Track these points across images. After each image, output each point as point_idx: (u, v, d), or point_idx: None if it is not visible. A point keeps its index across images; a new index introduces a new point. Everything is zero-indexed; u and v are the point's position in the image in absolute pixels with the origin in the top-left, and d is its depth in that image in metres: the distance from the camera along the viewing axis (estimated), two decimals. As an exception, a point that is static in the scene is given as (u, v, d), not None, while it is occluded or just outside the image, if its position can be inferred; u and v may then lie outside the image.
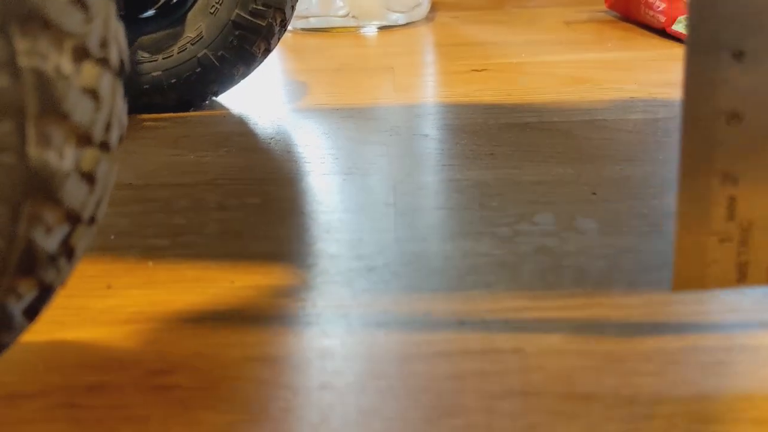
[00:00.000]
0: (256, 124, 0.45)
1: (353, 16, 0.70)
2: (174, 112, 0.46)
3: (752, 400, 0.20)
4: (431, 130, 0.43)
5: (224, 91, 0.48)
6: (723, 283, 0.23)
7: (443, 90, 0.52)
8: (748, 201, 0.22)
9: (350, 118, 0.45)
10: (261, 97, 0.50)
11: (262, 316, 0.25)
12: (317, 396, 0.21)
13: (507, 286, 0.26)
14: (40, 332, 0.24)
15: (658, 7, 0.62)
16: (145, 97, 0.46)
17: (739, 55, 0.21)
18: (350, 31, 0.70)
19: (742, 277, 0.23)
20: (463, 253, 0.28)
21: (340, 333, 0.24)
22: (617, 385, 0.21)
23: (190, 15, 0.45)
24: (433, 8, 0.77)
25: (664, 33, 0.63)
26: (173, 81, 0.45)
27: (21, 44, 0.16)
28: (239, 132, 0.44)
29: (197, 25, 0.45)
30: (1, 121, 0.16)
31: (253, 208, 0.33)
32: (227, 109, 0.48)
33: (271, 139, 0.42)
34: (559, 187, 0.33)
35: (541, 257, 0.28)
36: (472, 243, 0.29)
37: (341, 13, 0.70)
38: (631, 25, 0.67)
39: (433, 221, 0.31)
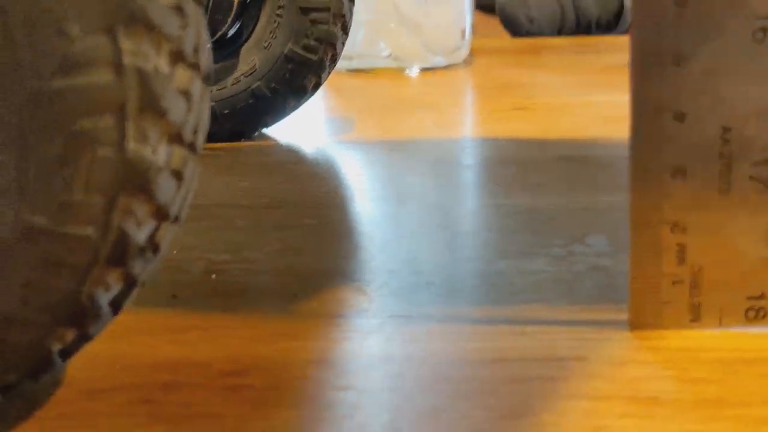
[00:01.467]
0: (305, 154, 0.46)
1: (395, 58, 0.71)
2: (227, 141, 0.47)
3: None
4: (476, 161, 0.44)
5: (275, 122, 0.49)
6: (678, 324, 0.25)
7: (485, 126, 0.53)
8: (698, 247, 0.24)
9: (395, 150, 0.46)
10: (308, 130, 0.52)
11: (325, 324, 0.26)
12: (384, 396, 0.22)
13: (565, 299, 0.27)
14: (114, 333, 0.25)
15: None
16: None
17: (681, 116, 0.23)
18: (392, 72, 0.71)
19: (695, 318, 0.25)
20: (519, 270, 0.29)
21: (403, 340, 0.24)
22: (681, 390, 0.21)
23: (244, 49, 0.47)
24: (473, 52, 0.78)
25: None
26: (226, 111, 0.47)
27: (126, 44, 0.17)
28: (290, 161, 0.45)
29: (251, 59, 0.47)
30: (103, 116, 0.18)
31: (311, 228, 0.34)
32: (277, 140, 0.49)
33: (320, 167, 0.43)
34: (609, 213, 0.34)
35: (596, 275, 0.28)
36: (526, 262, 0.30)
37: (384, 54, 0.71)
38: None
39: (487, 242, 0.32)
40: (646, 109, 0.24)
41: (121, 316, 0.21)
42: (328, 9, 0.46)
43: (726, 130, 0.24)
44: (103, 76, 0.17)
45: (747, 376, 0.22)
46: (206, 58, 0.20)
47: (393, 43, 0.71)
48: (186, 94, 0.19)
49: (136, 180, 0.18)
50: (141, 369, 0.23)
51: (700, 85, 0.24)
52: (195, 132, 0.20)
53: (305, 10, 0.46)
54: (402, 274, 0.29)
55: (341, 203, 0.38)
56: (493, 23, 0.94)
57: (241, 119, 0.47)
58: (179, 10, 0.19)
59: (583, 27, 0.91)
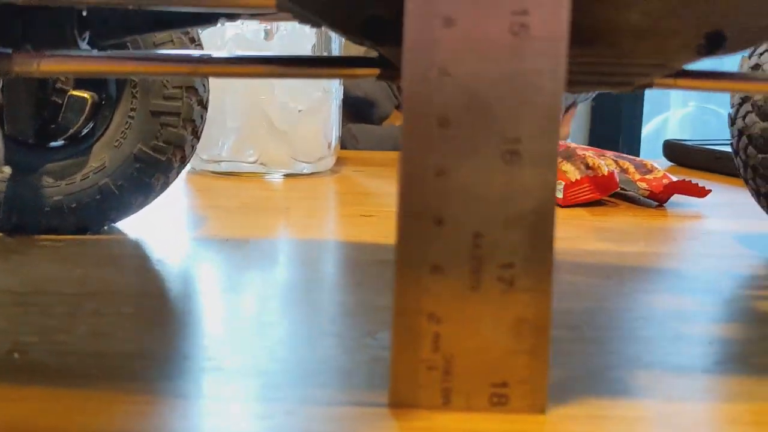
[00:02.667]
0: (149, 248, 0.48)
1: (262, 163, 0.74)
2: (73, 234, 0.49)
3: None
4: (312, 261, 0.47)
5: (122, 218, 0.51)
6: (430, 405, 0.28)
7: (330, 230, 0.56)
8: (450, 337, 0.27)
9: (239, 248, 0.49)
10: (161, 226, 0.54)
11: (118, 403, 0.27)
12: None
13: (342, 384, 0.29)
14: None
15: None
16: (44, 219, 0.49)
17: (439, 221, 0.27)
18: (258, 177, 0.74)
19: (446, 401, 0.28)
20: (313, 358, 0.31)
21: (177, 416, 0.26)
22: None
23: (96, 146, 0.49)
24: (339, 162, 0.82)
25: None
26: (73, 205, 0.49)
27: None
28: (130, 254, 0.47)
29: (102, 156, 0.49)
30: None
31: (126, 316, 0.36)
32: (125, 234, 0.51)
33: (156, 261, 0.45)
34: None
35: (376, 365, 0.31)
36: (321, 350, 0.32)
37: (250, 159, 0.74)
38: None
39: (294, 332, 0.34)
40: (410, 214, 0.27)
41: None
42: (178, 114, 0.49)
43: (478, 235, 0.27)
44: None
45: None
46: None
47: (261, 149, 0.74)
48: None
49: None
50: None
51: (457, 196, 0.27)
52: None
53: (156, 114, 0.49)
54: (195, 359, 0.31)
55: (167, 294, 0.40)
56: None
57: (87, 213, 0.49)
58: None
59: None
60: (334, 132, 0.79)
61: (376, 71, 0.33)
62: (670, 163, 0.95)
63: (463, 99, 0.27)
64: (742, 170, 0.53)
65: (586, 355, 0.33)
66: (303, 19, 0.30)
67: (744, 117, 0.52)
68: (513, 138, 0.27)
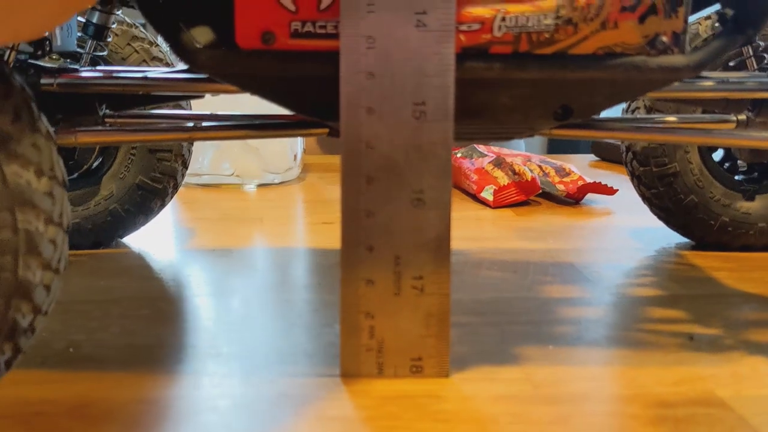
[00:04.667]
0: (152, 260, 0.60)
1: (237, 175, 0.86)
2: (89, 249, 0.61)
3: None
4: (283, 266, 0.59)
5: (128, 234, 0.63)
6: (369, 375, 0.40)
7: (298, 237, 0.68)
8: (381, 328, 0.40)
9: (224, 257, 0.61)
10: (157, 240, 0.65)
11: (152, 378, 0.39)
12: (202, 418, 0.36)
13: (312, 361, 0.41)
14: (2, 383, 0.38)
15: (472, 177, 0.81)
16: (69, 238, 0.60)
17: (370, 248, 0.39)
18: (234, 188, 0.86)
19: (380, 371, 0.40)
20: (288, 344, 0.43)
21: (191, 387, 0.38)
22: (355, 408, 0.36)
23: (105, 178, 0.61)
24: (306, 169, 0.94)
25: (475, 198, 0.81)
26: (89, 227, 0.60)
27: (20, 216, 0.31)
28: (138, 265, 0.59)
29: (110, 186, 0.61)
30: (6, 255, 0.31)
31: (145, 317, 0.48)
32: (130, 248, 0.63)
33: (161, 270, 0.57)
34: (357, 306, 0.49)
35: (333, 348, 0.43)
36: (293, 337, 0.44)
37: (227, 172, 0.86)
38: (455, 190, 0.86)
39: (274, 327, 0.47)
40: (349, 243, 0.39)
41: (9, 373, 0.34)
42: (170, 150, 0.61)
43: (397, 257, 0.39)
44: (5, 234, 0.31)
45: (399, 406, 0.37)
46: (67, 220, 0.34)
47: (236, 163, 0.86)
48: (53, 242, 0.33)
49: (23, 291, 0.32)
50: (19, 404, 0.36)
51: (381, 230, 0.39)
52: (59, 261, 0.34)
53: (153, 151, 0.60)
54: (200, 347, 0.43)
55: (172, 298, 0.51)
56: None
57: (100, 232, 0.61)
58: (51, 194, 0.33)
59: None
60: (299, 146, 0.90)
61: (326, 131, 0.45)
62: (597, 158, 1.08)
63: (382, 163, 0.39)
64: (630, 178, 0.66)
65: (484, 335, 0.46)
66: (260, 96, 0.42)
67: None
68: (418, 189, 0.39)
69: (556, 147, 1.49)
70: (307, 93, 0.40)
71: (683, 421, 0.36)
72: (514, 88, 0.41)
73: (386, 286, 0.40)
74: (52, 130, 0.34)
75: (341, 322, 0.40)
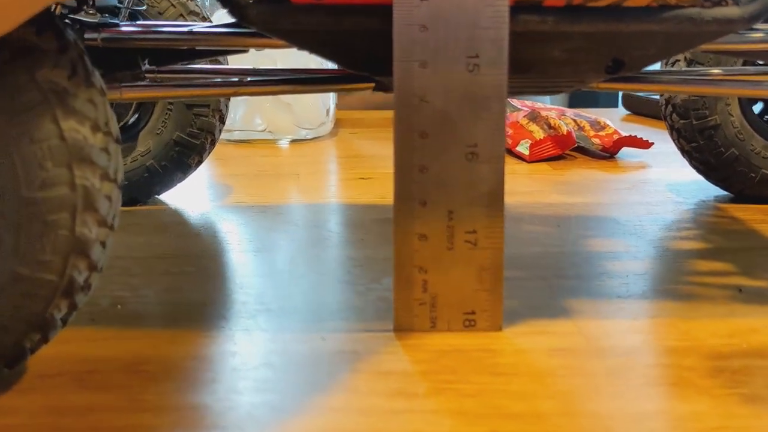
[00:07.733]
0: (190, 216, 0.60)
1: (269, 131, 0.86)
2: (126, 206, 0.61)
3: None
4: (323, 222, 0.58)
5: (165, 191, 0.63)
6: (422, 329, 0.40)
7: (336, 192, 0.67)
8: (434, 283, 0.39)
9: (262, 213, 0.61)
10: (194, 196, 0.65)
11: (198, 335, 0.39)
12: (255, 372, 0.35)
13: (358, 317, 0.41)
14: (59, 339, 0.38)
15: (507, 131, 0.80)
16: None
17: (423, 203, 0.38)
18: (267, 143, 0.86)
19: (433, 326, 0.40)
20: (334, 300, 0.43)
21: (245, 343, 0.38)
22: (412, 362, 0.36)
23: (141, 134, 0.60)
24: (338, 124, 0.93)
25: (510, 152, 0.80)
26: (126, 183, 0.60)
27: (77, 172, 0.31)
28: (176, 222, 0.58)
29: (147, 142, 0.60)
30: (63, 212, 0.31)
31: (190, 274, 0.48)
32: (167, 205, 0.63)
33: (201, 227, 0.57)
34: (402, 261, 0.49)
35: (381, 303, 0.43)
36: (338, 294, 0.44)
37: (260, 128, 0.86)
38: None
39: (317, 282, 0.46)
40: (402, 198, 0.39)
41: (64, 330, 0.34)
42: (208, 105, 0.60)
43: (451, 212, 0.39)
44: (63, 191, 0.31)
45: (455, 360, 0.37)
46: (121, 176, 0.34)
47: (268, 119, 0.85)
48: (109, 198, 0.33)
49: (81, 248, 0.32)
50: (71, 362, 0.36)
51: (434, 185, 0.39)
52: (113, 218, 0.34)
53: (190, 106, 0.60)
54: (250, 303, 0.43)
55: (215, 255, 0.51)
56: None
57: (137, 189, 0.61)
58: (106, 150, 0.32)
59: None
60: (332, 100, 0.90)
61: (372, 85, 0.44)
62: (627, 112, 1.07)
63: (436, 117, 0.38)
64: (669, 132, 0.65)
65: (533, 289, 0.45)
66: (310, 52, 0.41)
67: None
68: (472, 143, 0.38)
69: (577, 101, 1.47)
70: (358, 47, 0.40)
71: (739, 372, 0.36)
72: (566, 42, 0.40)
73: (439, 241, 0.39)
74: (104, 85, 0.33)
75: (394, 277, 0.39)
